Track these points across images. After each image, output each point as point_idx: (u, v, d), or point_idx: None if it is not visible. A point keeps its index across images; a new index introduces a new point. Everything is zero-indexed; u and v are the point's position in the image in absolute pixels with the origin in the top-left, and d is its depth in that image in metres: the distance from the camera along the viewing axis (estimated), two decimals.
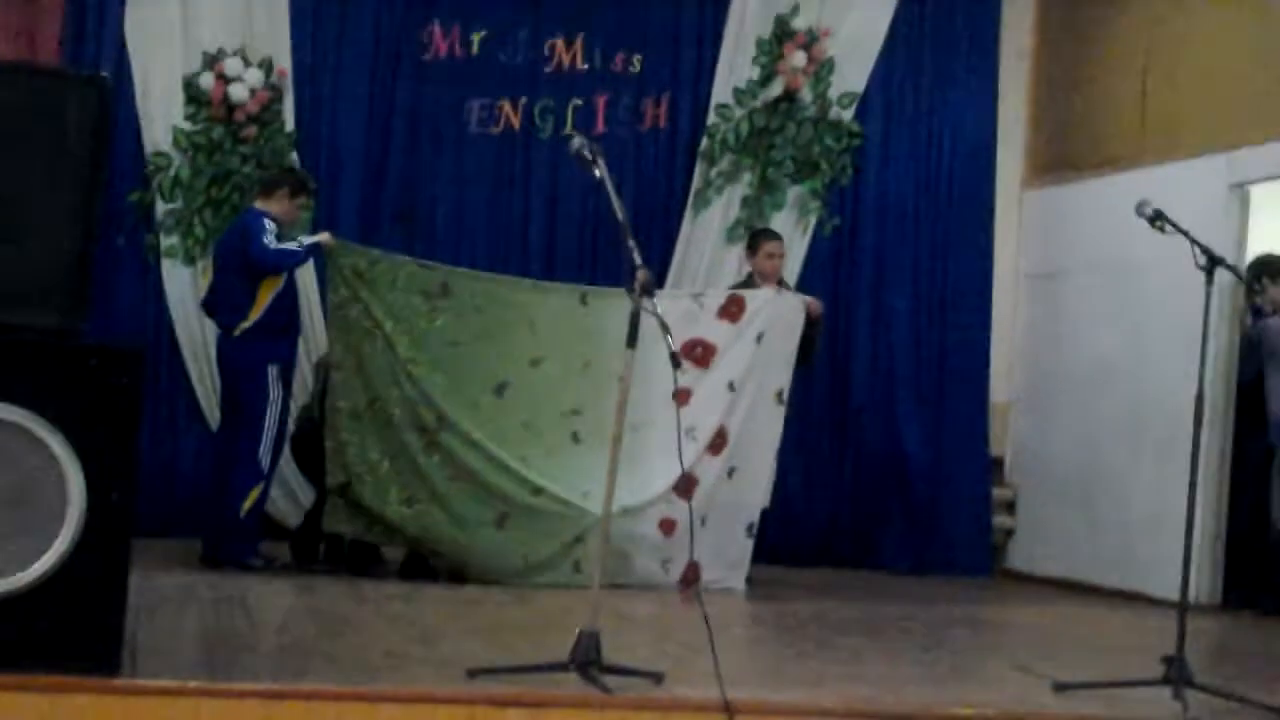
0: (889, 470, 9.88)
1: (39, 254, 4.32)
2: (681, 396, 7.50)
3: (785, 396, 8.17)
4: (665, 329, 4.77)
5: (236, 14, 9.07)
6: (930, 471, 9.86)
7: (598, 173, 5.01)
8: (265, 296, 7.72)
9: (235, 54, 8.97)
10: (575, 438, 7.83)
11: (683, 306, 8.05)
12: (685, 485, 7.51)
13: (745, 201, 9.63)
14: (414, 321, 7.65)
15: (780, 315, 8.15)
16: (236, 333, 7.73)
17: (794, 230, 9.61)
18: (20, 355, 4.28)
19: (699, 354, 7.93)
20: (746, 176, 9.63)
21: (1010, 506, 10.08)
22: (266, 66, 9.02)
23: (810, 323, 8.24)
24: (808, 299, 8.36)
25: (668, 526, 7.85)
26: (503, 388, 7.80)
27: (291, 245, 7.70)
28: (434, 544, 7.62)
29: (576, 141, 5.10)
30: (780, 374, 8.16)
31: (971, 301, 10.00)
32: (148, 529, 6.82)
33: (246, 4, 9.10)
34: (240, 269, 7.71)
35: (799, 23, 9.61)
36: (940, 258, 10.00)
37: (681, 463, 7.09)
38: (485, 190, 9.54)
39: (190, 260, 8.89)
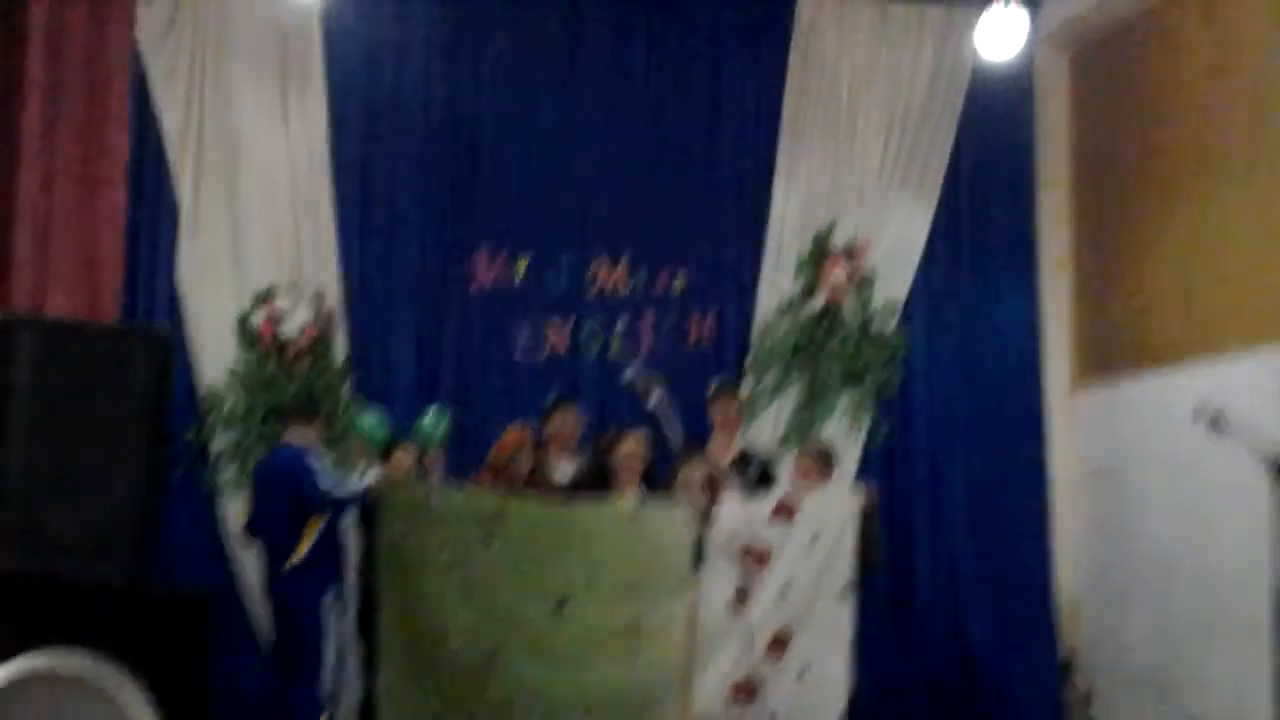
0: (956, 673, 9.72)
1: (102, 509, 4.35)
2: (738, 600, 7.45)
3: (849, 592, 8.03)
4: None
5: (285, 248, 9.27)
6: (1000, 673, 9.70)
7: (652, 402, 5.03)
8: (313, 531, 7.73)
9: (285, 288, 9.14)
10: (632, 650, 7.70)
11: (734, 510, 8.00)
12: (747, 691, 7.40)
13: (795, 411, 9.67)
14: (471, 549, 7.61)
15: (832, 510, 8.03)
16: (286, 568, 7.70)
17: (847, 435, 9.64)
18: (91, 602, 4.29)
19: (753, 558, 7.83)
20: (794, 388, 9.67)
21: (1085, 705, 9.86)
22: (317, 301, 9.17)
23: (866, 516, 8.09)
24: (859, 487, 8.31)
25: None
26: (564, 602, 7.72)
27: (352, 485, 7.71)
28: None
29: (629, 373, 5.15)
30: (841, 570, 7.98)
31: (1028, 501, 9.95)
32: None
33: (295, 238, 9.29)
34: (287, 508, 7.71)
35: (837, 238, 9.77)
36: (993, 459, 9.97)
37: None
38: (535, 412, 9.56)
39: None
